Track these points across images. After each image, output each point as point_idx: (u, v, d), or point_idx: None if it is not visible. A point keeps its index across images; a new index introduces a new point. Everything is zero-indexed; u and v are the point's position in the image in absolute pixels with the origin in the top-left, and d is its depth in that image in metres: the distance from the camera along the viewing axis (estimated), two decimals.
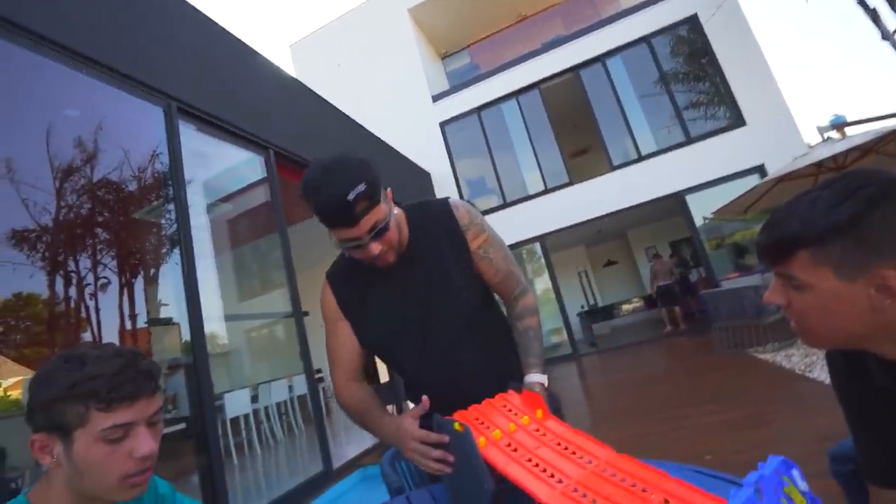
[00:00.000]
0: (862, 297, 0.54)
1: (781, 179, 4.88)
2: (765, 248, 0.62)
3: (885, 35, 6.65)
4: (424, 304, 1.03)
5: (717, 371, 4.63)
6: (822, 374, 3.46)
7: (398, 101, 10.41)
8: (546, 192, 9.16)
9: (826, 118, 5.64)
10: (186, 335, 2.84)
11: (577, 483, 0.62)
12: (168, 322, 3.97)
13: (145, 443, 0.67)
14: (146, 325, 4.26)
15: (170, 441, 3.54)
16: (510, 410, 0.83)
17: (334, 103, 5.70)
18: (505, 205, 9.40)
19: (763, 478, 0.46)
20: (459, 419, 0.79)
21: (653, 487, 0.57)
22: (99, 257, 3.74)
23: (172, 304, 3.58)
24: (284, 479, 3.90)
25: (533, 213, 9.10)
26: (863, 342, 0.58)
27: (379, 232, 0.92)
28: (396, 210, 1.03)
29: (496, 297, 1.17)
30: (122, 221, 3.89)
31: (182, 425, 3.38)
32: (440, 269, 1.04)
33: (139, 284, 4.30)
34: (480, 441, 0.72)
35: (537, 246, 9.16)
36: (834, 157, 4.39)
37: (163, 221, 3.58)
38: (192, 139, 3.26)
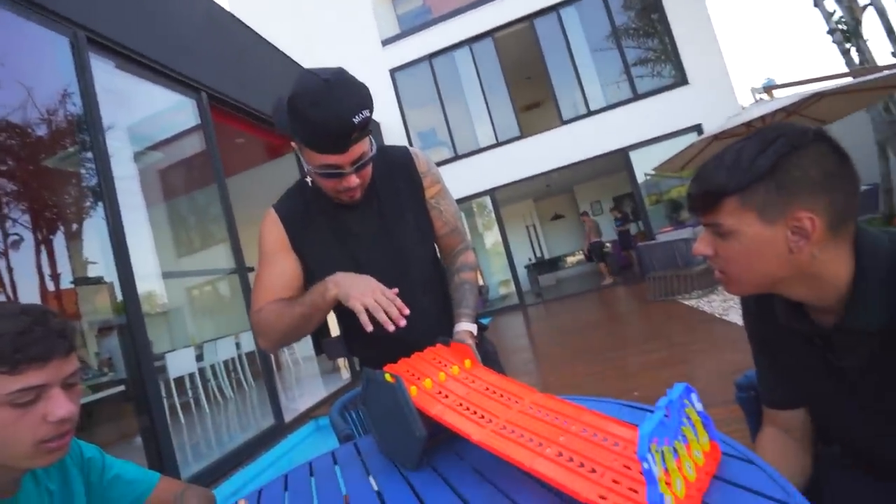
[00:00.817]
0: (781, 240, 0.59)
1: (716, 138, 5.15)
2: (696, 199, 0.66)
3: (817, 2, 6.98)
4: (383, 249, 1.02)
5: (648, 317, 5.03)
6: (736, 317, 3.86)
7: (345, 45, 9.78)
8: (497, 145, 9.15)
9: (759, 81, 5.95)
10: (119, 295, 2.67)
11: (505, 421, 0.66)
12: (98, 281, 3.71)
13: (61, 405, 0.63)
14: (72, 285, 3.96)
15: (109, 404, 3.41)
16: (440, 362, 0.86)
17: (276, 44, 5.26)
18: (456, 157, 9.33)
19: (671, 402, 0.53)
20: (389, 371, 0.80)
21: (572, 419, 0.64)
22: (6, 211, 3.36)
23: (102, 262, 3.33)
24: (235, 435, 3.90)
25: (484, 166, 9.11)
26: (778, 285, 0.64)
27: (362, 164, 0.89)
28: None
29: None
30: (32, 170, 3.49)
31: (121, 388, 3.25)
32: (400, 214, 1.03)
33: (60, 241, 3.94)
34: (412, 390, 0.74)
35: (487, 199, 9.25)
36: (762, 118, 4.66)
37: (82, 171, 3.24)
38: (111, 77, 2.92)
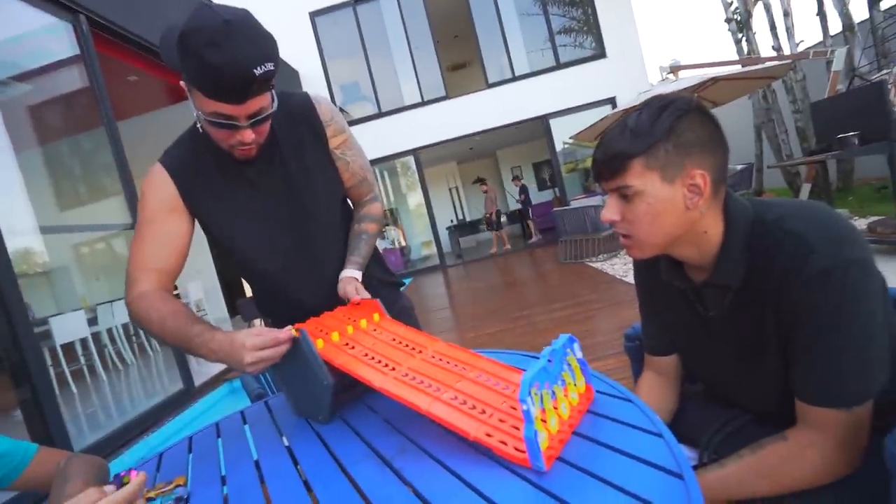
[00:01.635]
0: (679, 197, 0.67)
1: (627, 111, 5.50)
2: (603, 164, 0.70)
3: None
4: (288, 205, 0.96)
5: (558, 277, 5.42)
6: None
7: None
8: (423, 104, 8.97)
9: (667, 60, 6.38)
10: None
11: (408, 369, 0.71)
12: None
13: None
14: None
15: None
16: (348, 318, 0.87)
17: None
18: (380, 114, 9.02)
19: (554, 351, 0.61)
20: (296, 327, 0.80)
21: (470, 367, 0.71)
22: None
23: None
24: (138, 402, 3.65)
25: (408, 124, 8.93)
26: (673, 245, 0.72)
27: (259, 120, 0.82)
28: None
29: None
30: None
31: None
32: (302, 165, 0.97)
33: None
34: (318, 343, 0.76)
35: (411, 160, 9.14)
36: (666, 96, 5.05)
37: None
38: None
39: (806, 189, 5.41)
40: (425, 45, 8.84)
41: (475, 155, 12.87)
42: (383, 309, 0.89)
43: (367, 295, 0.91)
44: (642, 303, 0.93)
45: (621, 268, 4.92)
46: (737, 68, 4.99)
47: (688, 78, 5.04)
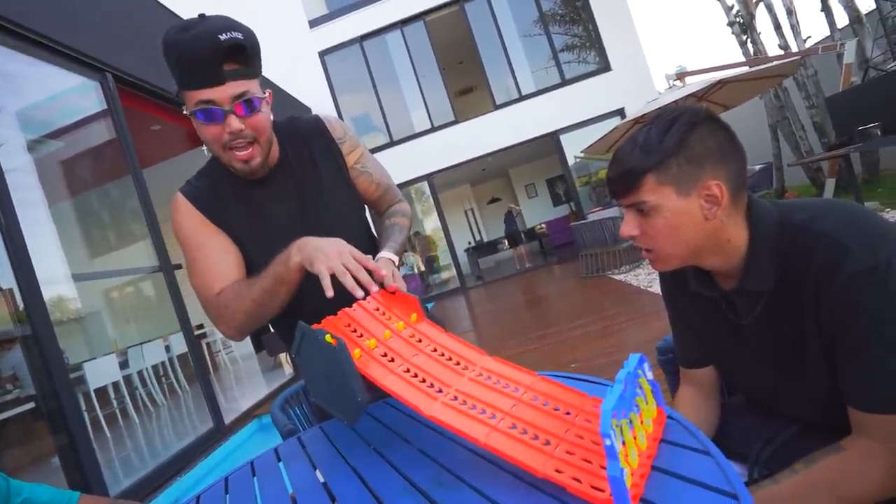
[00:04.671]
0: (697, 209, 0.66)
1: (637, 121, 5.49)
2: (617, 181, 0.70)
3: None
4: (302, 224, 0.93)
5: (581, 292, 5.33)
6: (659, 288, 4.19)
7: (270, 25, 9.21)
8: (433, 130, 9.13)
9: (672, 67, 6.38)
10: (21, 302, 2.39)
11: (456, 391, 0.64)
12: None
13: None
14: None
15: (16, 424, 3.07)
16: (383, 314, 0.79)
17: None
18: (392, 143, 9.21)
19: (628, 374, 0.54)
20: (330, 328, 0.74)
21: (525, 388, 0.63)
22: None
23: None
24: (170, 443, 3.68)
25: (420, 151, 9.07)
26: (697, 256, 0.71)
27: (245, 105, 0.79)
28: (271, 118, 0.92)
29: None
30: None
31: (31, 405, 2.94)
32: (317, 186, 0.95)
33: None
34: (355, 353, 0.69)
35: (425, 185, 9.25)
36: (675, 102, 5.03)
37: None
38: None
39: (831, 184, 5.26)
40: (432, 73, 9.06)
41: (488, 175, 12.96)
42: (421, 308, 0.81)
43: (403, 284, 0.85)
44: (672, 314, 0.91)
45: (645, 278, 4.82)
46: (744, 70, 4.96)
47: (695, 83, 5.02)
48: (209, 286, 0.87)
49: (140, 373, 4.87)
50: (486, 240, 13.65)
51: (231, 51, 0.75)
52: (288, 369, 5.24)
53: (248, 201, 0.93)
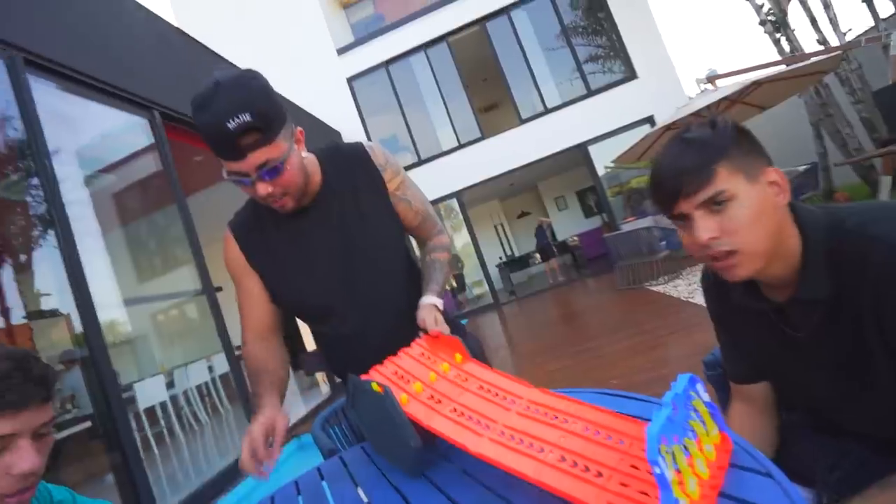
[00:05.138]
0: (767, 196, 0.63)
1: (668, 128, 5.37)
2: (681, 179, 0.63)
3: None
4: (343, 251, 0.96)
5: (618, 305, 5.19)
6: (701, 299, 4.02)
7: (300, 55, 9.64)
8: (460, 147, 9.23)
9: (703, 71, 6.24)
10: (79, 326, 2.54)
11: (503, 426, 0.63)
12: (53, 314, 3.51)
13: (26, 458, 0.59)
14: (25, 320, 3.73)
15: (74, 442, 3.23)
16: (428, 359, 0.81)
17: (230, 59, 5.13)
18: (420, 162, 9.34)
19: (677, 396, 0.50)
20: (377, 376, 0.76)
21: (574, 417, 0.61)
22: None
23: (55, 293, 3.16)
24: (214, 462, 3.77)
25: (448, 169, 9.16)
26: (773, 255, 0.64)
27: (270, 171, 0.82)
28: (307, 154, 0.93)
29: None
30: None
31: (87, 424, 3.09)
32: (358, 213, 0.97)
33: (7, 274, 3.72)
34: (402, 398, 0.70)
35: (454, 202, 9.30)
36: (708, 107, 4.89)
37: (28, 199, 3.07)
38: (54, 99, 2.78)
39: (886, 181, 4.95)
40: (456, 92, 9.20)
41: (517, 190, 12.92)
42: (465, 348, 0.82)
43: (446, 328, 0.87)
44: (718, 328, 0.87)
45: (685, 289, 4.65)
46: (781, 68, 4.77)
47: (728, 86, 4.88)
48: (243, 329, 1.02)
49: (185, 392, 5.05)
50: (517, 254, 13.54)
51: (243, 132, 0.77)
52: (325, 388, 5.31)
53: (291, 228, 0.96)
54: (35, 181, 2.60)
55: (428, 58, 9.34)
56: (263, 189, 0.83)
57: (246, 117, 0.76)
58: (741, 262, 0.63)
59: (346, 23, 10.81)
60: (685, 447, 0.47)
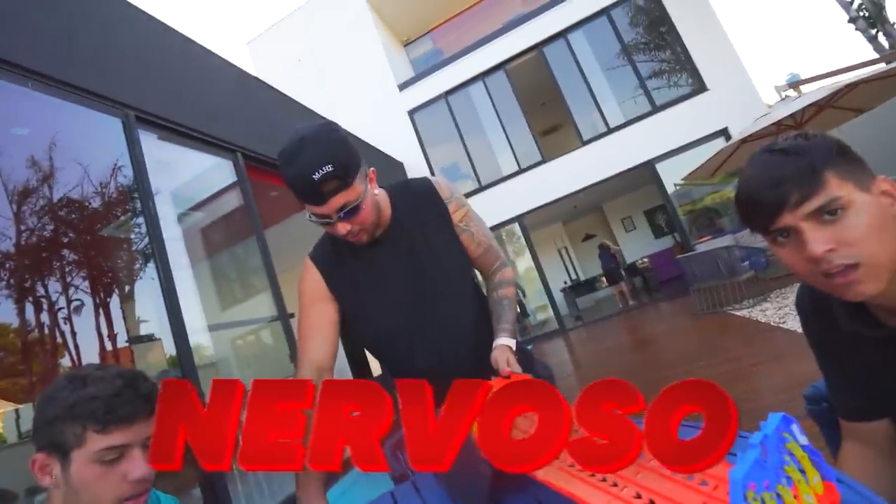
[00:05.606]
0: (883, 206, 0.56)
1: (744, 140, 5.02)
2: (790, 186, 0.56)
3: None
4: (414, 277, 1.02)
5: (697, 331, 4.80)
6: (794, 324, 3.62)
7: (364, 93, 10.24)
8: (520, 172, 9.21)
9: (783, 78, 5.80)
10: (170, 350, 2.78)
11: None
12: (150, 339, 3.88)
13: (139, 466, 0.66)
14: (127, 344, 4.16)
15: None
16: None
17: (299, 99, 5.58)
18: (481, 188, 9.42)
19: (766, 437, 0.45)
20: None
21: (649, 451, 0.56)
22: (69, 279, 3.62)
23: (152, 319, 3.50)
24: (286, 484, 3.89)
25: (509, 193, 9.15)
26: None
27: (349, 212, 0.91)
28: (378, 190, 1.02)
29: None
30: (90, 240, 3.76)
31: None
32: (427, 243, 1.04)
33: (115, 303, 4.18)
34: (472, 427, 0.69)
35: (516, 226, 9.23)
36: (792, 116, 4.52)
37: (132, 236, 3.47)
38: (156, 148, 3.15)
39: None
40: (515, 118, 9.26)
41: (580, 212, 12.60)
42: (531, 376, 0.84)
43: (518, 368, 0.90)
44: (821, 357, 0.77)
45: (775, 314, 4.21)
46: (881, 67, 4.30)
47: (815, 91, 4.48)
48: (299, 360, 1.04)
49: None
50: (582, 278, 13.08)
51: (325, 181, 0.87)
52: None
53: (366, 258, 1.04)
54: (139, 220, 2.94)
55: (486, 86, 9.53)
56: (343, 228, 0.93)
57: (328, 168, 0.86)
58: (864, 276, 0.55)
59: (406, 59, 11.37)
60: (778, 495, 0.42)
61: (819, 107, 4.68)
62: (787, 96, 5.44)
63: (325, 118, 6.04)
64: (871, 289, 0.56)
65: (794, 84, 5.56)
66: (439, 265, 1.04)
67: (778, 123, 4.57)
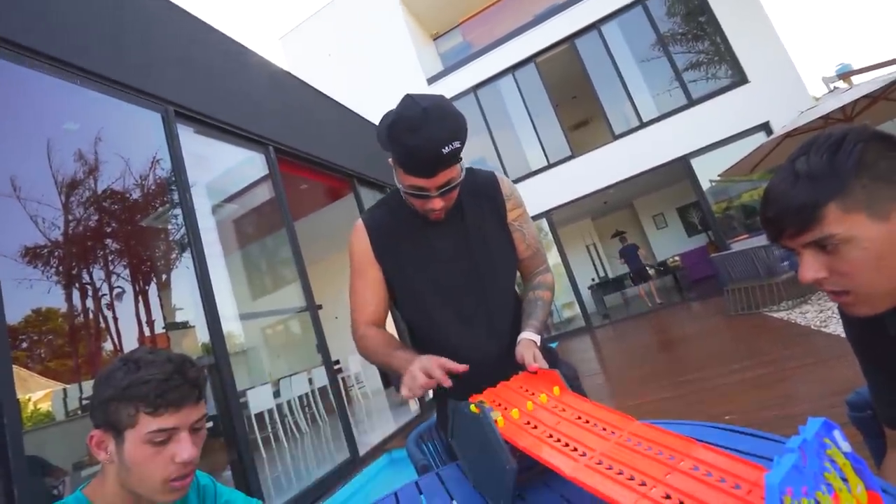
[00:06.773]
0: (892, 235, 0.54)
1: (789, 135, 4.79)
2: (782, 221, 0.58)
3: None
4: (462, 268, 1.03)
5: (731, 332, 4.63)
6: (837, 327, 3.45)
7: (393, 87, 10.29)
8: (549, 167, 9.08)
9: (832, 68, 5.49)
10: (203, 337, 2.89)
11: (601, 455, 0.60)
12: (185, 326, 4.04)
13: (186, 448, 0.70)
14: (164, 330, 4.34)
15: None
16: (526, 390, 0.82)
17: (329, 93, 5.65)
18: None
19: (805, 442, 0.43)
20: (474, 401, 0.78)
21: (680, 454, 0.56)
22: (112, 267, 3.80)
23: (188, 307, 3.63)
24: (313, 469, 4.00)
25: (537, 188, 9.04)
26: None
27: (448, 190, 0.93)
28: None
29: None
30: (131, 230, 3.93)
31: (210, 424, 3.48)
32: (481, 234, 1.05)
33: (153, 291, 4.37)
34: (498, 421, 0.71)
35: (544, 222, 9.12)
36: (842, 108, 4.28)
37: (170, 227, 3.61)
38: (192, 142, 3.26)
39: None
40: (545, 111, 9.12)
41: (610, 208, 12.33)
42: (563, 381, 0.82)
43: (544, 363, 0.88)
44: (865, 362, 0.73)
45: (816, 317, 4.02)
46: None
47: (869, 82, 4.22)
48: (356, 318, 1.07)
49: (289, 402, 5.46)
50: (610, 276, 12.82)
51: (449, 155, 0.87)
52: (414, 406, 5.42)
53: (418, 235, 1.05)
54: (177, 211, 3.05)
55: (515, 80, 9.41)
56: (438, 203, 0.94)
57: (457, 144, 0.87)
58: (855, 302, 0.59)
59: (435, 53, 11.35)
60: (817, 502, 0.40)
61: (872, 99, 4.42)
62: (836, 88, 5.15)
63: (354, 113, 6.10)
64: (866, 312, 0.59)
65: (845, 75, 5.23)
66: (490, 258, 1.04)
67: (826, 117, 4.34)
